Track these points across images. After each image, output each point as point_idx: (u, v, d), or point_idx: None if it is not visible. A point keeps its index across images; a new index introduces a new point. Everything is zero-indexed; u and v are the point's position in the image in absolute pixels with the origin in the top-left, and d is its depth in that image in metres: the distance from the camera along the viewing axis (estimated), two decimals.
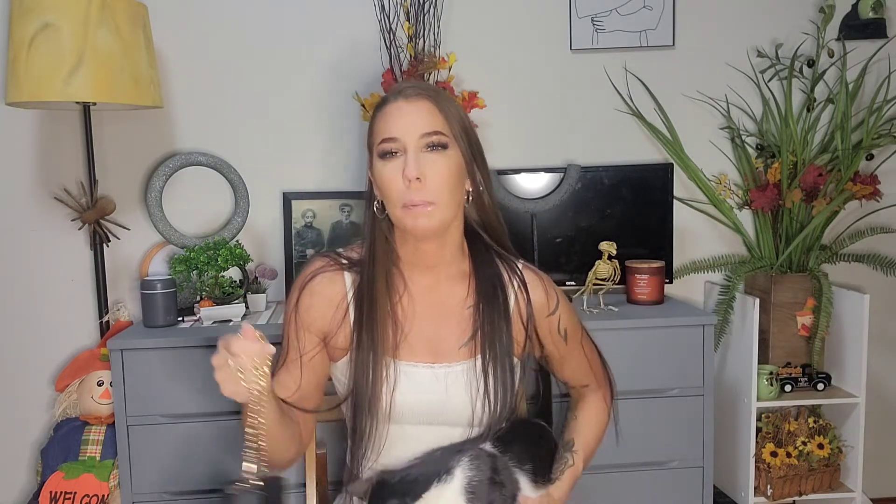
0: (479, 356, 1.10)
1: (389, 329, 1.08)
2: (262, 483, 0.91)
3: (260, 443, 0.92)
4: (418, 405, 1.09)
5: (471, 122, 1.11)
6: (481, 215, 1.14)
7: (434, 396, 1.09)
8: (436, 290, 1.13)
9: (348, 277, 1.12)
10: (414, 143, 1.03)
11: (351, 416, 1.11)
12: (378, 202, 1.10)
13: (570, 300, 1.85)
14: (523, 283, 1.15)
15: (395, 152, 1.03)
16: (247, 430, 0.91)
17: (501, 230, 1.17)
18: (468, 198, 1.11)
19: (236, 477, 0.91)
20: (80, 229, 1.90)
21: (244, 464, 0.91)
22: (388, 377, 1.07)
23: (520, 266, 1.17)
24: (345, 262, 1.13)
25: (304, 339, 1.11)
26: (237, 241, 1.87)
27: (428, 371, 1.09)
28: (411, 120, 1.03)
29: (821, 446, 1.87)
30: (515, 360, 1.14)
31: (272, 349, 0.90)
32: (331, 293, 1.11)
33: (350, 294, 1.11)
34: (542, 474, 1.12)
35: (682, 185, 2.06)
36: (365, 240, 1.13)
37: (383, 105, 1.07)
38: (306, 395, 1.11)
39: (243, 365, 0.89)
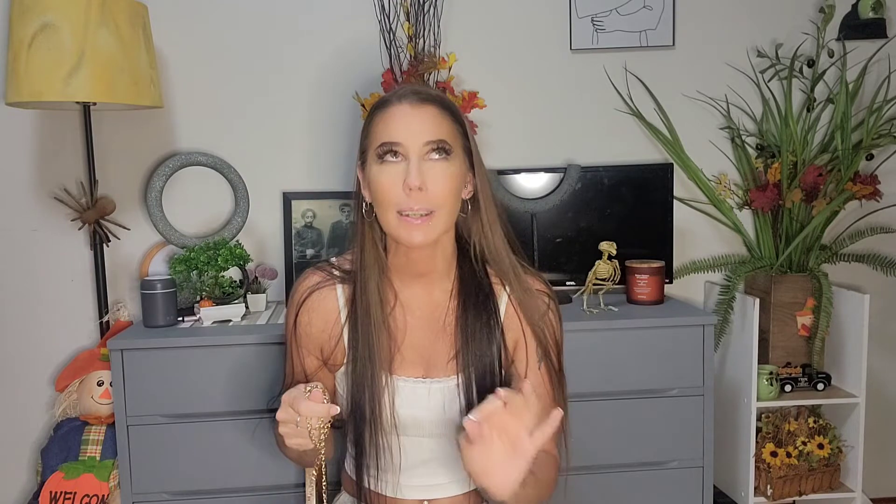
0: (461, 373, 1.07)
1: (384, 342, 1.07)
2: None
3: (324, 478, 1.06)
4: (418, 420, 1.07)
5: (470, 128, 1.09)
6: (481, 221, 1.08)
7: (430, 413, 1.07)
8: (427, 299, 1.11)
9: (340, 291, 1.11)
10: (417, 150, 1.00)
11: (353, 428, 1.10)
12: (367, 204, 1.06)
13: (570, 300, 1.87)
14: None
15: (396, 156, 1.00)
16: (313, 471, 1.07)
17: (502, 236, 1.11)
18: (467, 207, 1.08)
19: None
20: (80, 229, 1.90)
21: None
22: (387, 390, 1.06)
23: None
24: (337, 274, 1.12)
25: (307, 358, 1.12)
26: (237, 241, 1.87)
27: (420, 386, 1.08)
28: (416, 126, 1.00)
29: (821, 446, 1.87)
30: (504, 373, 1.10)
31: (337, 409, 0.93)
32: (326, 309, 1.11)
33: (343, 308, 1.10)
34: None
35: (682, 185, 2.06)
36: (354, 248, 1.10)
37: (384, 107, 1.03)
38: None
39: (311, 424, 0.94)
